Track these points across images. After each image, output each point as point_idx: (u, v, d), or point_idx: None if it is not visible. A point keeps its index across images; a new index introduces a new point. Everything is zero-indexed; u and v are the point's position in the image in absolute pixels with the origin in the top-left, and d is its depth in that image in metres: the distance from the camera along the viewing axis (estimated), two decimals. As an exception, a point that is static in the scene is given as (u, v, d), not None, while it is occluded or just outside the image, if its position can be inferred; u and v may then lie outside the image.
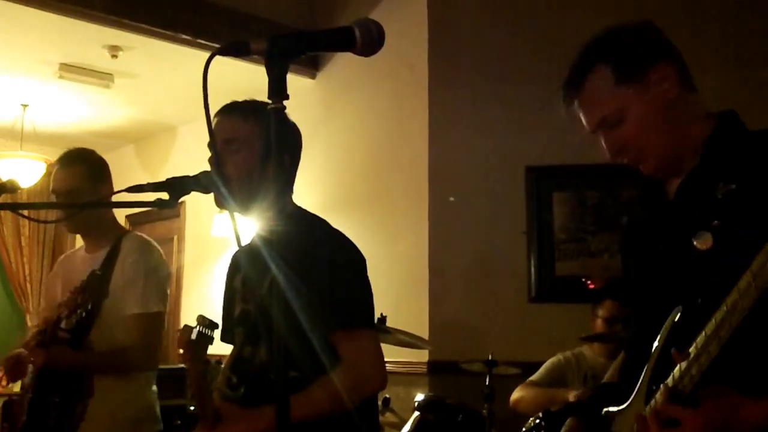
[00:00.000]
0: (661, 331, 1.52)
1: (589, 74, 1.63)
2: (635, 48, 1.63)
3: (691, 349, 1.40)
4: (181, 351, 2.05)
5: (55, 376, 2.79)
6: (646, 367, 1.56)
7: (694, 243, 1.48)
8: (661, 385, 1.45)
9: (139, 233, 3.15)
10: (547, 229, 4.56)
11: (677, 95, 1.60)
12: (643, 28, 1.67)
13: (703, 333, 1.38)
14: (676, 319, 1.50)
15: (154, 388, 3.01)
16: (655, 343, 1.53)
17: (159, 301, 2.93)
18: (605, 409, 1.69)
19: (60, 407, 2.76)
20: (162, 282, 2.96)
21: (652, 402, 1.49)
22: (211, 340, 2.02)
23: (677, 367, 1.43)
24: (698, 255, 1.48)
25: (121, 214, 6.78)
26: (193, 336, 2.00)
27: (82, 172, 2.98)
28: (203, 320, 2.02)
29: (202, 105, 1.22)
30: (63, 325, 2.79)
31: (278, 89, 1.17)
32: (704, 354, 1.38)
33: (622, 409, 1.63)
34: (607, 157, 1.66)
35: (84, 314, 2.75)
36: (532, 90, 4.34)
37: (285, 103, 1.20)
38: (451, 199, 4.67)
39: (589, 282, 4.34)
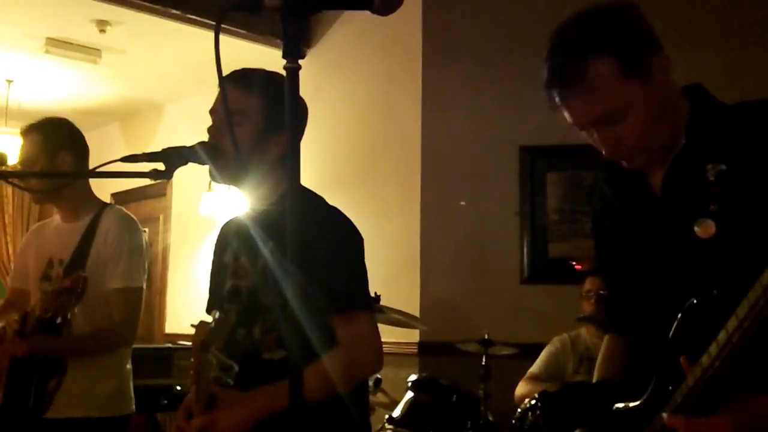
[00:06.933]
0: (675, 326, 1.44)
1: (591, 63, 1.47)
2: (637, 38, 1.50)
3: (703, 359, 1.33)
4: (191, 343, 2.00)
5: (29, 358, 2.72)
6: (658, 365, 1.48)
7: (696, 230, 1.44)
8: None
9: (120, 207, 3.09)
10: (540, 210, 4.54)
11: (672, 86, 1.52)
12: (632, 13, 1.52)
13: (724, 331, 1.28)
14: (689, 312, 1.42)
15: (129, 366, 2.97)
16: (669, 337, 1.45)
17: (142, 277, 2.90)
18: (616, 406, 1.61)
19: (36, 387, 2.72)
20: (145, 257, 2.92)
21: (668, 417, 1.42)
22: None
23: (690, 375, 1.36)
24: (701, 243, 1.44)
25: (106, 192, 6.72)
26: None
27: (37, 141, 2.93)
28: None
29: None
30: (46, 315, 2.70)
31: (293, 48, 1.11)
32: (723, 355, 1.30)
33: (636, 407, 1.54)
34: (604, 153, 1.56)
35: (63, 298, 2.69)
36: (527, 69, 4.18)
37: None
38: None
39: (576, 264, 4.32)
